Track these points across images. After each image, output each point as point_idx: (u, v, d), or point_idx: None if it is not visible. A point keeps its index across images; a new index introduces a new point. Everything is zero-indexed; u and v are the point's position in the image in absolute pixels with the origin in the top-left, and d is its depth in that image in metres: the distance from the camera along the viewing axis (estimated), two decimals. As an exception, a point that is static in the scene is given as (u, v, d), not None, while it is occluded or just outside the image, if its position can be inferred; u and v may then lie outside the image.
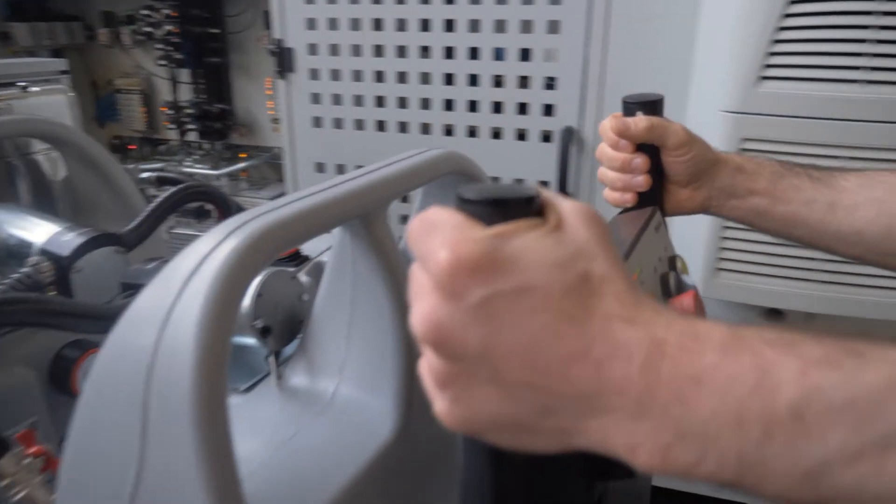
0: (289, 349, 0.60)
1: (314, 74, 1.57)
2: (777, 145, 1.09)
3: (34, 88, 1.14)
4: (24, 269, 0.73)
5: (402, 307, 0.51)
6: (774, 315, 1.34)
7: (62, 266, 0.75)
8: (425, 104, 1.50)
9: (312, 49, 1.55)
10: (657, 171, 0.63)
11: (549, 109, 1.41)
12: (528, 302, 0.25)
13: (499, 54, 1.42)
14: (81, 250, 0.76)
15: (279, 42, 1.57)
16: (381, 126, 1.55)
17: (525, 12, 1.36)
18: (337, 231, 0.53)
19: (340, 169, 1.63)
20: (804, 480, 0.23)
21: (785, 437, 0.23)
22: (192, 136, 2.30)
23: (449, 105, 1.48)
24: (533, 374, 0.25)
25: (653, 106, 0.63)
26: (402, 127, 1.53)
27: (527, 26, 1.37)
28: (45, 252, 0.77)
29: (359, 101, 1.55)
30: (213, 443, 0.35)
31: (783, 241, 1.12)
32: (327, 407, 0.54)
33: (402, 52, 1.48)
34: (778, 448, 0.23)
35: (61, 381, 0.72)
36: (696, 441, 0.24)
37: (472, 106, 1.47)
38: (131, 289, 0.65)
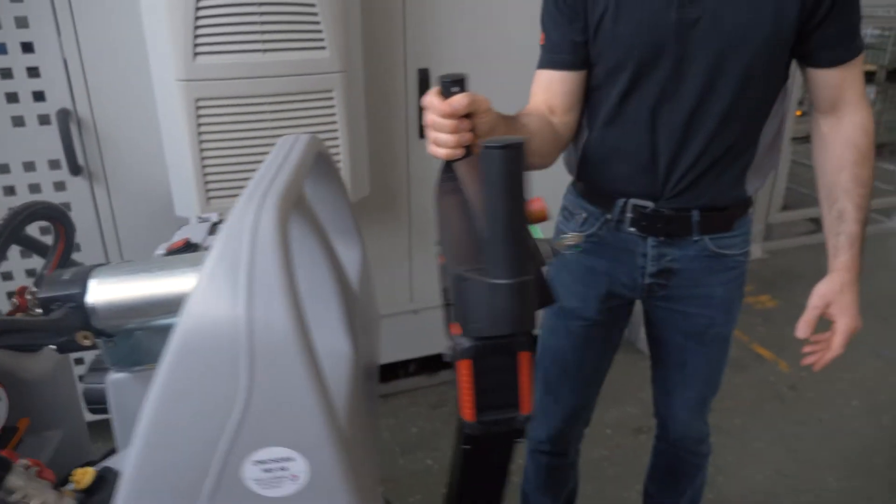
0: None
1: None
2: (225, 101, 1.47)
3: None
4: None
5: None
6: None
7: None
8: None
9: None
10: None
11: (39, 95, 1.54)
12: None
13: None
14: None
15: None
16: None
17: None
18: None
19: None
20: None
21: None
22: None
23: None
24: None
25: (462, 83, 0.79)
26: None
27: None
28: None
29: None
30: (314, 369, 0.46)
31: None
32: None
33: None
34: None
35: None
36: None
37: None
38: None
